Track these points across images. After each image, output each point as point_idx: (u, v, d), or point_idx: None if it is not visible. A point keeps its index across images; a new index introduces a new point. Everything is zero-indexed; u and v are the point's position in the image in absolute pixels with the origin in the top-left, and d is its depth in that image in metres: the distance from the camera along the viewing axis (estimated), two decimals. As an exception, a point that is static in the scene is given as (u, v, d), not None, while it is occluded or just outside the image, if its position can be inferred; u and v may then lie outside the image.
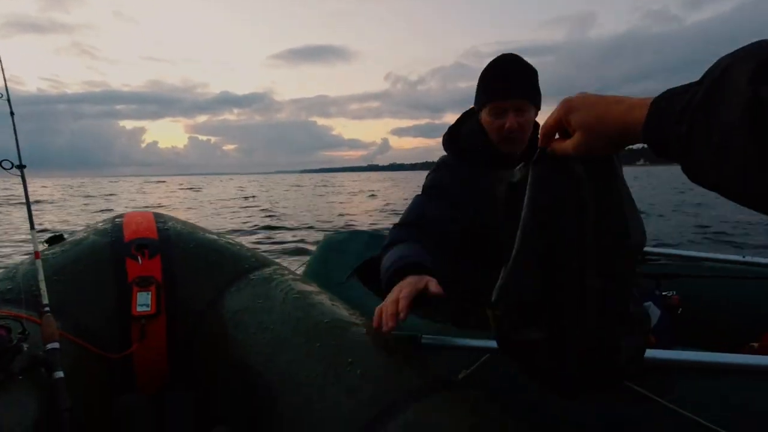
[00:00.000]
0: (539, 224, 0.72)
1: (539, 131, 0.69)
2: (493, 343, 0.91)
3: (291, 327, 1.05)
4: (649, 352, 0.83)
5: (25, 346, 0.86)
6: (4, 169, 1.16)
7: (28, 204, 1.20)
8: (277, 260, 1.53)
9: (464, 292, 1.26)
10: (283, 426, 0.89)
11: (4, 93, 1.23)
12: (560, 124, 0.64)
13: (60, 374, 0.85)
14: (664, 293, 1.07)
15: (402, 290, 0.96)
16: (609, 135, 0.58)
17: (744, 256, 1.54)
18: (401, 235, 1.21)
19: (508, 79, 1.21)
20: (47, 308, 0.99)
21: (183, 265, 1.32)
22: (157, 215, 1.52)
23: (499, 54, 1.26)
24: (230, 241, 1.51)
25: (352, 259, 1.84)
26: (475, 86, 1.30)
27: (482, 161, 1.27)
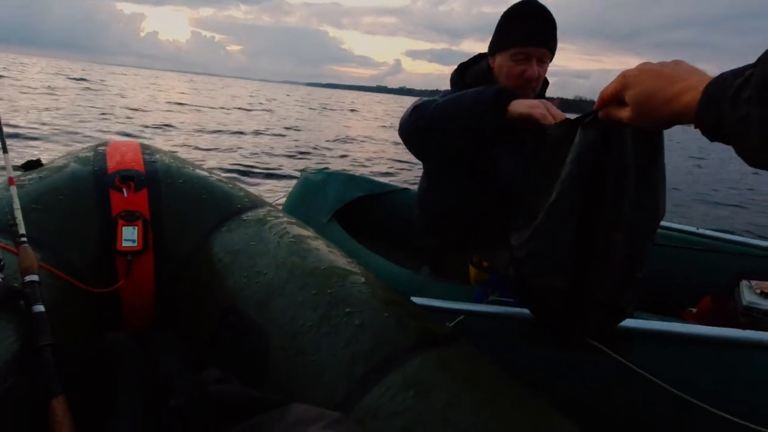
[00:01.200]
0: (581, 183, 0.74)
1: (598, 96, 0.70)
2: (470, 306, 1.07)
3: (286, 272, 1.01)
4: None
5: (1, 276, 0.80)
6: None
7: None
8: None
9: (462, 232, 1.32)
10: (276, 374, 0.87)
11: None
12: (616, 96, 0.66)
13: (40, 308, 0.80)
14: None
15: (536, 102, 0.94)
16: (660, 115, 0.59)
17: (698, 228, 1.69)
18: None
19: (536, 26, 1.19)
20: (24, 238, 0.92)
21: (171, 201, 1.25)
22: (143, 146, 1.42)
23: None
24: (221, 178, 1.43)
25: (330, 201, 1.81)
26: (501, 13, 1.25)
27: None
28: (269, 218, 1.25)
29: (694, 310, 1.42)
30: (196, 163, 1.50)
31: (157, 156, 1.37)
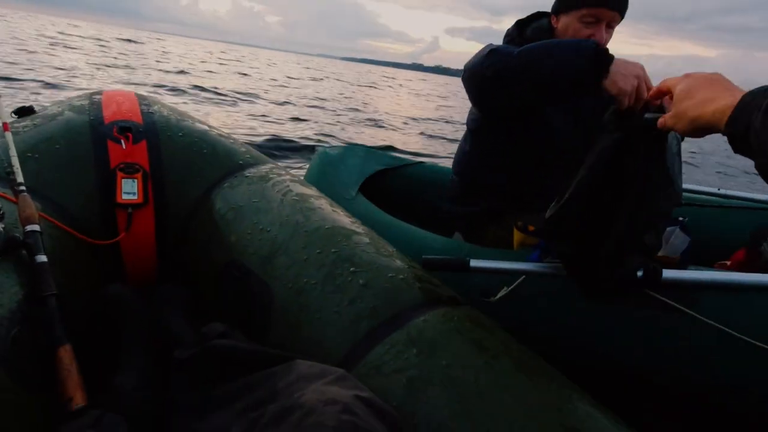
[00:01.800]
0: (606, 173, 0.86)
1: (656, 87, 0.74)
2: (530, 265, 1.08)
3: (290, 230, 1.00)
4: (672, 272, 0.99)
5: (1, 226, 0.78)
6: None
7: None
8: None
9: (503, 197, 1.31)
10: (279, 329, 0.87)
11: None
12: (664, 94, 0.73)
13: (43, 258, 0.80)
14: (680, 218, 1.20)
15: (641, 78, 0.92)
16: (699, 127, 0.62)
17: (719, 189, 1.77)
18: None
19: None
20: (22, 187, 0.90)
21: (171, 154, 1.22)
22: (140, 96, 1.37)
23: None
24: (222, 134, 1.39)
25: (353, 175, 1.80)
26: None
27: None
28: (272, 175, 1.22)
29: (728, 262, 1.43)
30: (196, 117, 1.46)
31: (155, 107, 1.33)
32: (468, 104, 1.32)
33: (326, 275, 0.88)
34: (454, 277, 1.02)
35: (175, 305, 0.99)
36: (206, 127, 1.36)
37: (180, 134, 1.26)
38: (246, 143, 1.42)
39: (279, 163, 1.39)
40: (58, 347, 0.71)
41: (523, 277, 1.09)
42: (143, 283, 1.17)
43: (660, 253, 1.11)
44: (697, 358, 1.01)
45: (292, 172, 1.35)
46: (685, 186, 1.67)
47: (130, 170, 1.12)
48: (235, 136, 1.49)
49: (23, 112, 1.19)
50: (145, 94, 1.47)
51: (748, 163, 0.54)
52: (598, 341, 1.09)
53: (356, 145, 2.08)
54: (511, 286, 1.09)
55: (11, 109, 1.20)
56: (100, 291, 0.95)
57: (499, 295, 1.10)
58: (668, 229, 1.16)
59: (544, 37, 1.19)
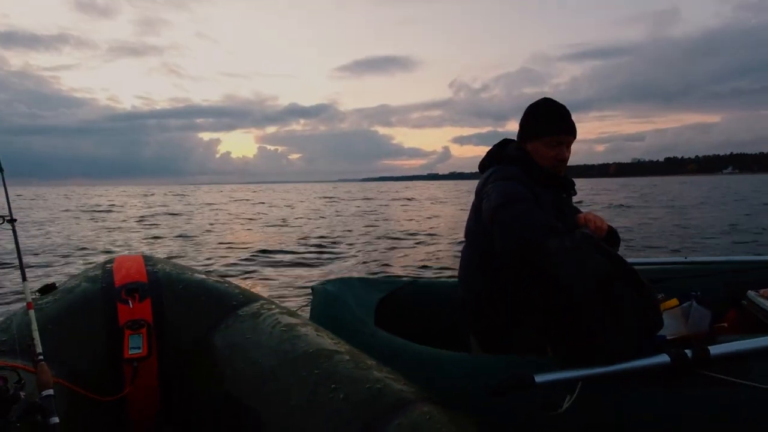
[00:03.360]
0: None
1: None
2: (588, 371, 1.06)
3: (278, 359, 1.11)
4: (719, 347, 1.03)
5: (22, 394, 0.90)
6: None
7: (19, 256, 1.25)
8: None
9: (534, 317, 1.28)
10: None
11: None
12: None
13: (55, 420, 0.89)
14: (692, 293, 1.25)
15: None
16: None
17: (686, 257, 1.92)
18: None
19: (566, 119, 1.47)
20: (41, 356, 1.03)
21: (172, 306, 1.37)
22: (146, 258, 1.57)
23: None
24: (218, 279, 1.56)
25: (361, 307, 1.73)
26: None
27: (543, 180, 1.44)
28: (263, 311, 1.36)
29: (725, 324, 1.46)
30: (193, 267, 1.64)
31: (159, 266, 1.52)
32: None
33: (310, 394, 0.97)
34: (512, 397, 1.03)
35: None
36: (203, 276, 1.54)
37: (181, 286, 1.43)
38: (238, 285, 1.59)
39: (269, 298, 1.53)
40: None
41: (581, 383, 1.06)
42: (148, 428, 1.23)
43: (685, 333, 1.13)
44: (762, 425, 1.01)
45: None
46: (658, 259, 1.97)
47: (136, 326, 1.26)
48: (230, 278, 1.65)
49: (46, 289, 1.38)
50: (150, 254, 1.68)
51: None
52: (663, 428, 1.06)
53: (349, 278, 2.05)
54: (575, 394, 1.04)
55: (37, 287, 1.39)
56: None
57: (565, 406, 1.06)
58: (682, 306, 1.17)
59: (522, 155, 1.48)
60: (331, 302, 1.72)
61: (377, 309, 1.78)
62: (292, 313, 1.37)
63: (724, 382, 1.00)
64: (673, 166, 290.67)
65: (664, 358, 1.05)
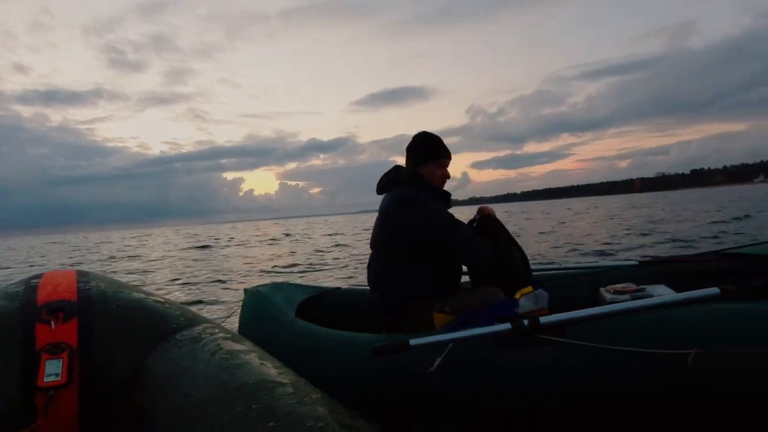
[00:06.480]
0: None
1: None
2: (457, 334, 1.45)
3: (213, 391, 1.00)
4: (547, 317, 1.45)
5: None
6: None
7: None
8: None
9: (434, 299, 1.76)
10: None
11: None
12: None
13: None
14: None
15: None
16: None
17: (560, 264, 2.53)
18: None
19: (445, 146, 1.92)
20: None
21: (104, 328, 1.24)
22: (80, 274, 1.43)
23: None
24: (159, 299, 1.44)
25: (288, 303, 2.05)
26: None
27: (436, 195, 1.87)
28: (204, 335, 1.25)
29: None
30: (136, 285, 1.51)
31: (93, 283, 1.38)
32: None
33: (245, 434, 0.86)
34: (398, 362, 1.46)
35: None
36: (143, 295, 1.41)
37: (115, 306, 1.30)
38: (181, 306, 1.46)
39: (215, 321, 1.42)
40: None
41: (451, 345, 1.43)
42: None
43: (535, 309, 1.59)
44: (580, 372, 1.40)
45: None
46: (541, 265, 2.52)
47: (56, 350, 1.12)
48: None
49: None
50: (88, 270, 1.54)
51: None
52: (516, 384, 1.44)
53: (280, 282, 2.37)
54: (443, 354, 1.41)
55: None
56: None
57: (436, 364, 1.40)
58: (535, 292, 1.63)
59: (418, 177, 1.87)
60: (259, 300, 2.05)
61: (303, 307, 2.11)
62: (237, 338, 1.26)
63: (549, 342, 1.40)
64: (699, 177, 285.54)
65: (507, 326, 1.45)
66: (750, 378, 1.40)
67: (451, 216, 1.80)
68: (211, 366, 1.08)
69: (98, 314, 1.25)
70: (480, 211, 2.03)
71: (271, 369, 1.08)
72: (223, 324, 1.60)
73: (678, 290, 1.60)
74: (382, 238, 1.84)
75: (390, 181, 1.91)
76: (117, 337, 1.23)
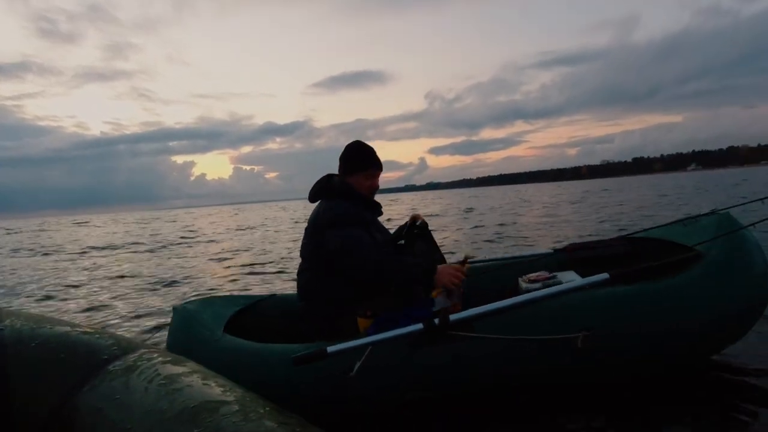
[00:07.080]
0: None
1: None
2: (373, 338, 1.52)
3: (150, 421, 0.91)
4: (456, 315, 1.57)
5: None
6: None
7: None
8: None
9: (356, 305, 1.78)
10: None
11: None
12: None
13: None
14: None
15: (453, 267, 1.71)
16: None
17: (486, 257, 2.58)
18: (385, 251, 1.89)
19: (376, 157, 1.94)
20: None
21: (21, 370, 1.11)
22: None
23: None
24: (88, 329, 1.31)
25: (217, 319, 2.00)
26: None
27: (364, 205, 1.92)
28: (140, 363, 1.14)
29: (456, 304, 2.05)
30: (58, 318, 1.37)
31: (8, 321, 1.24)
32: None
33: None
34: (322, 370, 1.51)
35: None
36: (68, 328, 1.28)
37: (33, 344, 1.17)
38: (114, 334, 1.34)
39: (152, 346, 1.31)
40: None
41: (369, 348, 1.49)
42: None
43: (448, 305, 1.66)
44: (486, 362, 1.56)
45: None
46: (482, 259, 2.62)
47: (-38, 403, 0.99)
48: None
49: None
50: (2, 306, 1.38)
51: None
52: (430, 379, 1.56)
53: (211, 297, 2.27)
54: (362, 358, 1.46)
55: None
56: None
57: (356, 368, 1.45)
58: (443, 290, 1.70)
59: (345, 187, 1.90)
60: (187, 319, 1.98)
61: (235, 320, 2.10)
62: (177, 361, 1.17)
63: (460, 337, 1.53)
64: (640, 165, 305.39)
65: (419, 326, 1.53)
66: (630, 353, 1.56)
67: (359, 239, 1.77)
68: (148, 394, 0.99)
69: (13, 356, 1.12)
70: (412, 218, 2.10)
71: (214, 388, 1.00)
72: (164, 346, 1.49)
73: (585, 275, 1.72)
74: (310, 249, 1.87)
75: (321, 189, 1.94)
76: (36, 377, 1.10)
